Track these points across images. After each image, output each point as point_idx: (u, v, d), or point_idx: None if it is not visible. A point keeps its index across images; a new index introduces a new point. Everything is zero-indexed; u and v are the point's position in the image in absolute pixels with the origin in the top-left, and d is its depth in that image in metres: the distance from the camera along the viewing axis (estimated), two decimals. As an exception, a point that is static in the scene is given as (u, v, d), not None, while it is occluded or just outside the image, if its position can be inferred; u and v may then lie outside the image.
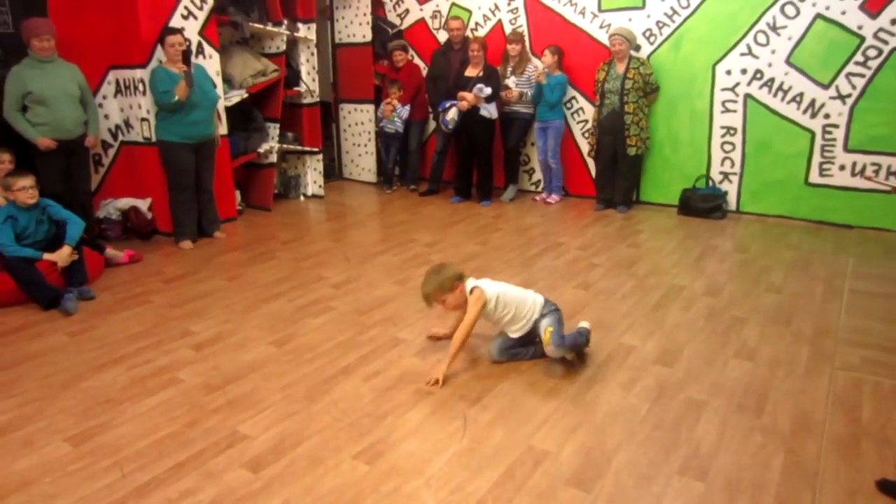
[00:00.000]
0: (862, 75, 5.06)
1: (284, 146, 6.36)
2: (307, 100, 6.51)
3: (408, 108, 6.72)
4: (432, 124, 7.03)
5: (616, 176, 6.05)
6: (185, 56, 4.68)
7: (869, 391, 2.80)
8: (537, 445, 2.45)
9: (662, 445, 2.44)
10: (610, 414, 2.66)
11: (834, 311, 3.67)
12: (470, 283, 3.06)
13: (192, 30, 5.04)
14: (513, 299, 3.07)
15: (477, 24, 6.71)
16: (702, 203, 5.75)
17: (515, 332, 3.10)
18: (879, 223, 5.18)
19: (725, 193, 5.77)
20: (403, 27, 7.20)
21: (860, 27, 4.98)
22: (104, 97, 5.14)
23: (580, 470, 2.30)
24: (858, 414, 2.63)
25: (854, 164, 5.22)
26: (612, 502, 2.13)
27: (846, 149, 5.23)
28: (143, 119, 5.00)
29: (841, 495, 2.15)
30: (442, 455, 2.40)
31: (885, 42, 4.92)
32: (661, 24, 5.77)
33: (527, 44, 6.34)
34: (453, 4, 6.81)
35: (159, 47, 4.82)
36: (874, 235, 5.12)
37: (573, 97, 6.29)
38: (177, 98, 4.65)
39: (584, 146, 6.33)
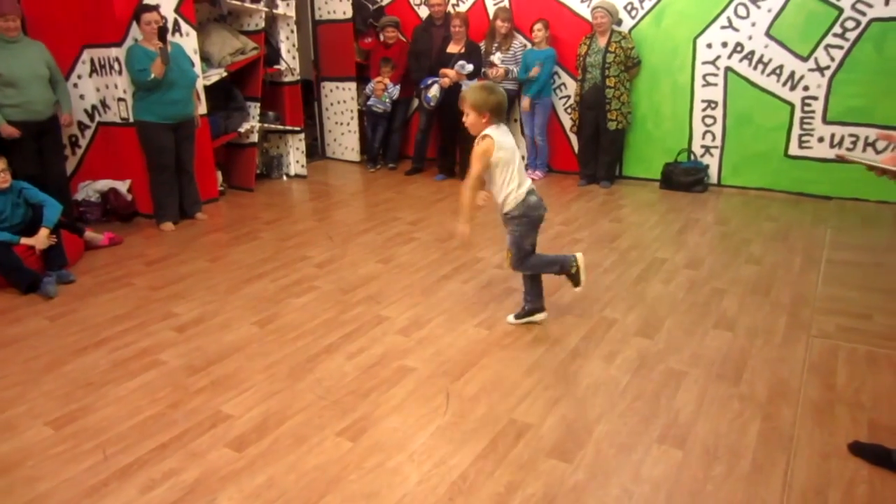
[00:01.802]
0: (840, 47, 5.07)
1: (266, 125, 6.30)
2: (288, 78, 6.43)
3: (398, 87, 6.65)
4: (416, 102, 6.97)
5: (599, 151, 6.05)
6: (161, 33, 4.59)
7: (844, 358, 2.86)
8: (519, 418, 2.48)
9: (642, 415, 2.48)
10: (591, 386, 2.69)
11: (811, 280, 3.72)
12: (491, 129, 3.04)
13: (168, 7, 4.93)
14: (516, 168, 3.10)
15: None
16: (684, 177, 5.77)
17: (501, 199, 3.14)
18: (857, 194, 5.24)
19: (707, 167, 5.79)
20: (385, 2, 7.11)
21: (839, -1, 5.00)
22: (79, 77, 5.04)
23: (561, 441, 2.33)
24: (833, 380, 2.68)
25: (833, 136, 5.25)
26: (592, 472, 2.17)
27: (825, 121, 5.26)
28: (120, 99, 4.93)
29: (815, 459, 2.20)
30: (425, 430, 2.42)
31: (863, 13, 4.93)
32: (642, -2, 5.74)
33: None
34: (434, -21, 6.72)
35: (135, 25, 4.73)
36: (852, 206, 5.18)
37: (556, 72, 6.26)
38: (153, 76, 4.58)
39: (567, 121, 6.32)
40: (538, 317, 3.26)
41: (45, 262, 3.93)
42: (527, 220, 3.15)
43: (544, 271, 3.27)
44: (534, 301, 3.27)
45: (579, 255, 3.27)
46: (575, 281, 3.26)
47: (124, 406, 2.63)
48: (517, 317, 3.28)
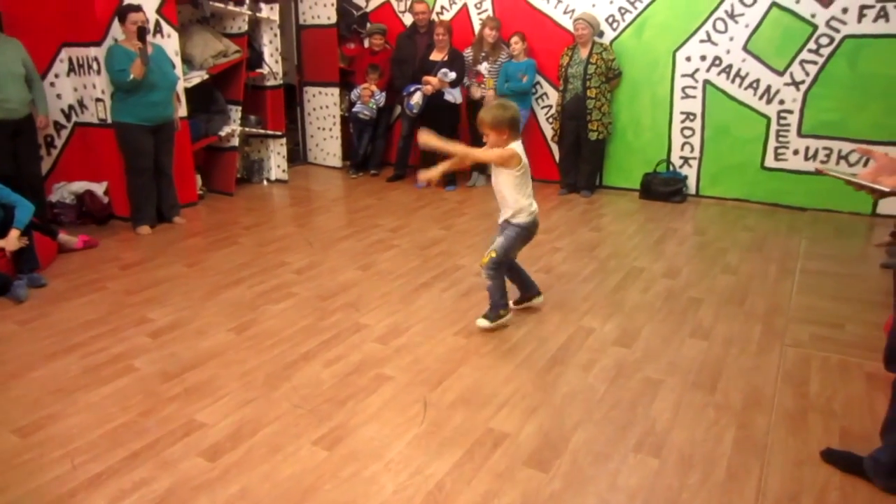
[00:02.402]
0: (815, 62, 5.17)
1: (247, 129, 6.26)
2: (270, 82, 6.40)
3: (384, 94, 6.65)
4: (398, 109, 6.97)
5: (579, 161, 6.09)
6: (140, 33, 4.52)
7: (817, 366, 2.90)
8: (497, 427, 2.47)
9: (619, 424, 2.48)
10: (569, 395, 2.70)
11: (786, 290, 3.77)
12: (514, 145, 3.12)
13: (149, 7, 4.87)
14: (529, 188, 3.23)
15: (443, 7, 6.67)
16: (663, 187, 5.83)
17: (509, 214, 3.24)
18: (831, 205, 5.33)
19: (685, 178, 5.86)
20: (369, 9, 7.12)
21: (813, 15, 5.09)
22: (56, 76, 4.97)
23: (538, 450, 2.33)
24: (806, 388, 2.72)
25: (807, 149, 5.34)
26: (568, 481, 2.17)
27: (800, 134, 5.35)
28: (98, 99, 4.86)
29: (788, 466, 2.22)
30: (402, 439, 2.40)
31: (837, 30, 5.04)
32: (623, 11, 5.80)
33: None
34: (418, -13, 6.74)
35: (115, 25, 4.68)
36: (826, 217, 5.26)
37: (538, 82, 6.30)
38: (132, 77, 4.52)
39: (549, 131, 6.35)
40: (505, 318, 3.30)
41: (16, 264, 3.85)
42: (526, 233, 3.26)
43: (497, 290, 3.27)
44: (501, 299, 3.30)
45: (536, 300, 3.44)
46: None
47: (95, 413, 2.58)
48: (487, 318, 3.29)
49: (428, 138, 3.13)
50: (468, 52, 6.23)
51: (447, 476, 2.19)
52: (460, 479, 2.18)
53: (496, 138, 3.11)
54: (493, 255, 3.21)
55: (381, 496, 2.10)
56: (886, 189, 1.84)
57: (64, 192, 5.04)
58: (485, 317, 3.29)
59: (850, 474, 2.15)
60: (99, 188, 5.06)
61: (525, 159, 3.16)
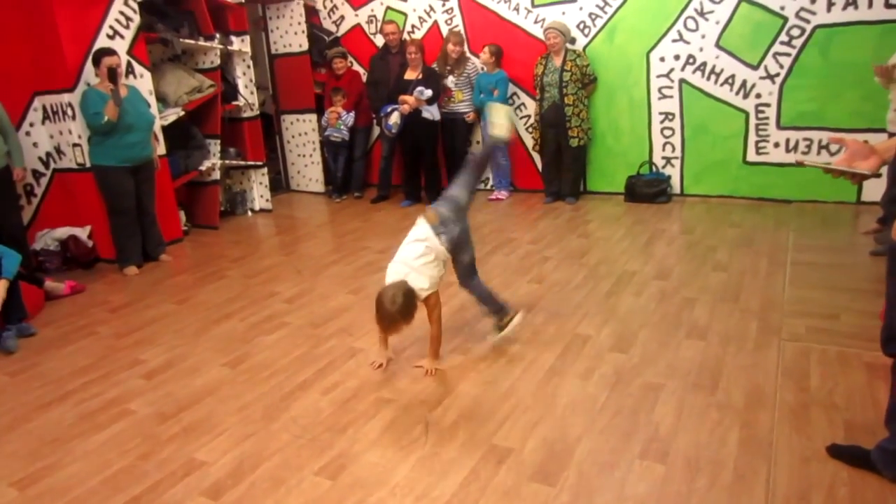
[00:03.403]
0: (788, 54, 5.23)
1: (227, 162, 6.24)
2: (247, 113, 6.40)
3: (352, 114, 6.67)
4: (377, 130, 6.99)
5: (562, 168, 6.11)
6: (111, 74, 4.50)
7: (815, 359, 2.89)
8: (500, 443, 2.45)
9: (623, 432, 2.47)
10: (570, 405, 2.68)
11: (778, 284, 3.78)
12: (427, 293, 2.93)
13: (120, 49, 4.86)
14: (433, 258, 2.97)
15: (413, 26, 6.71)
16: (647, 189, 5.86)
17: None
18: (815, 196, 5.36)
19: (669, 178, 5.89)
20: (340, 34, 7.15)
21: (782, 7, 5.15)
22: (31, 124, 4.93)
23: (544, 464, 2.31)
24: (807, 382, 2.71)
25: (787, 141, 5.39)
26: (576, 493, 2.15)
27: (779, 126, 5.40)
28: (76, 144, 4.83)
29: (795, 464, 2.21)
30: (405, 462, 2.37)
31: (807, 21, 5.10)
32: (593, 16, 5.86)
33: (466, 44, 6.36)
34: (388, 8, 6.79)
35: (88, 69, 4.66)
36: (811, 208, 5.30)
37: (514, 93, 6.34)
38: (107, 119, 4.49)
39: (529, 141, 6.38)
40: (516, 318, 3.26)
41: (4, 315, 3.79)
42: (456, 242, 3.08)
43: (488, 296, 3.25)
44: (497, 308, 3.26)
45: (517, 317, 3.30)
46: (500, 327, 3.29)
47: (93, 461, 2.53)
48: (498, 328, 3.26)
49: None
50: (434, 66, 6.26)
51: (454, 497, 2.17)
52: (467, 500, 2.15)
53: (403, 326, 2.87)
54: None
55: (388, 524, 2.07)
56: (866, 172, 1.85)
57: (47, 239, 4.99)
58: (496, 328, 3.26)
59: (857, 468, 2.13)
60: (82, 232, 5.01)
61: (436, 288, 2.97)
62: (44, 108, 4.88)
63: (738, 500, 2.06)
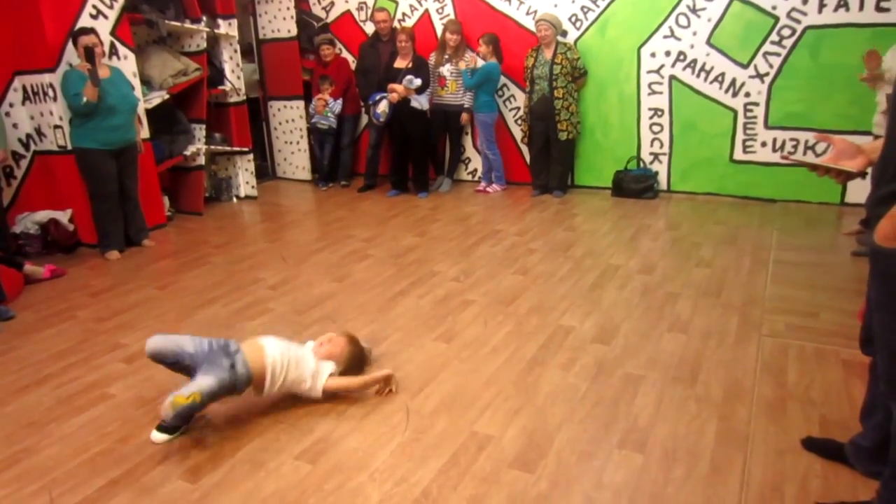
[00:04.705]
0: (778, 54, 5.26)
1: (212, 147, 6.18)
2: (233, 98, 6.34)
3: (340, 102, 6.63)
4: (365, 119, 6.95)
5: (550, 161, 6.12)
6: (88, 53, 4.38)
7: (794, 355, 2.93)
8: (480, 431, 2.45)
9: (602, 421, 2.48)
10: (551, 395, 2.69)
11: (760, 281, 3.81)
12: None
13: (103, 30, 4.79)
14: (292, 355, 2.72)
15: (404, 14, 6.67)
16: (634, 184, 5.88)
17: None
18: (800, 196, 5.41)
19: (656, 174, 5.91)
20: (329, 20, 7.09)
21: (774, 7, 5.18)
22: (11, 105, 4.85)
23: (523, 451, 2.32)
24: (784, 378, 2.74)
25: (774, 141, 5.43)
26: (554, 481, 2.16)
27: (767, 126, 5.43)
28: (57, 126, 4.76)
29: (770, 456, 2.24)
30: (385, 448, 2.38)
31: (798, 21, 5.13)
32: (585, 9, 5.85)
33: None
34: (379, -4, 6.75)
35: (69, 49, 4.59)
36: (796, 208, 5.35)
37: (504, 84, 6.33)
38: (86, 100, 4.41)
39: (518, 133, 6.38)
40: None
41: (-18, 297, 3.75)
42: None
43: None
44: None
45: None
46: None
47: (71, 444, 2.51)
48: None
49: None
50: (431, 57, 6.23)
51: (433, 483, 2.17)
52: (446, 485, 2.16)
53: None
54: (197, 398, 2.41)
55: (366, 509, 2.07)
56: (853, 170, 1.86)
57: (27, 222, 4.91)
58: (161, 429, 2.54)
59: (831, 461, 2.17)
60: (63, 216, 4.94)
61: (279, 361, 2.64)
62: (24, 88, 4.79)
63: (713, 491, 2.08)
